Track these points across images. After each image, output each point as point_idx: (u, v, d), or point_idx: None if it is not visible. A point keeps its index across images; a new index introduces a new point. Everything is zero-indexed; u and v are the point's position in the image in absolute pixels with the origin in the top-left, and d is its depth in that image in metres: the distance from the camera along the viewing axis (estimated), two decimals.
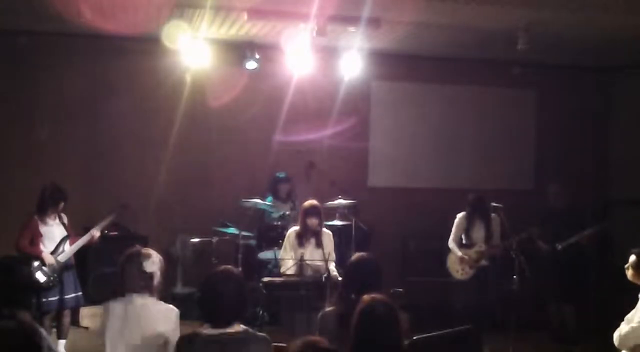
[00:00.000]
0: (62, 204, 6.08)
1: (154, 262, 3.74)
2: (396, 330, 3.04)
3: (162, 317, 3.66)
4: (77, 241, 6.12)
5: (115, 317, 3.63)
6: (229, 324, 3.22)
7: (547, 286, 7.18)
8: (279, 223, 7.39)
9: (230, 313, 3.23)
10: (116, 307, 3.67)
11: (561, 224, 7.07)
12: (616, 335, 4.27)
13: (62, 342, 6.12)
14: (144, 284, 3.69)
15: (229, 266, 3.45)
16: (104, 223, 6.22)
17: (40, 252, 5.90)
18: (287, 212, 7.47)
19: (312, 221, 6.21)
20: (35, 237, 5.93)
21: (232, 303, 3.22)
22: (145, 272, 3.69)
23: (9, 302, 3.13)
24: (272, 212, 7.55)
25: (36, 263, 5.85)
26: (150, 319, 3.62)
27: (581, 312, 7.13)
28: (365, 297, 3.14)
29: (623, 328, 4.24)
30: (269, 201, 7.50)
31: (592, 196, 9.00)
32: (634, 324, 4.17)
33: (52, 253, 5.95)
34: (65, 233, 6.09)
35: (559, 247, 6.97)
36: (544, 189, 7.44)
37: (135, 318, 3.61)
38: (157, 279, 3.74)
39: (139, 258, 3.72)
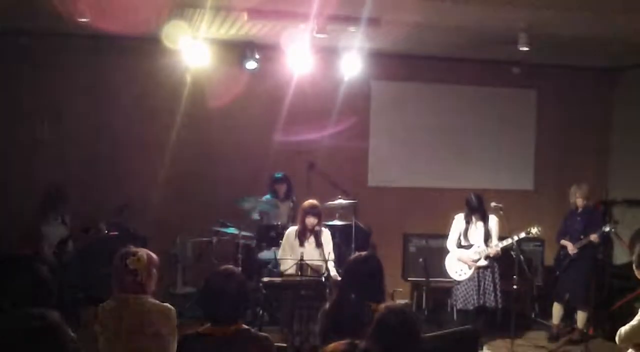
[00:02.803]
0: (64, 205, 6.09)
1: (147, 261, 3.73)
2: (413, 341, 2.94)
3: (158, 316, 3.65)
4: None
5: (111, 318, 3.63)
6: (230, 323, 3.22)
7: (569, 287, 7.18)
8: (277, 224, 7.40)
9: (232, 312, 3.23)
10: (112, 307, 3.67)
11: (584, 224, 7.13)
12: (619, 332, 4.28)
13: None
14: (139, 283, 3.68)
15: (230, 266, 3.45)
16: None
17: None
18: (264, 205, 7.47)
19: (310, 221, 6.24)
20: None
21: (234, 302, 3.23)
22: (138, 272, 3.68)
23: (36, 301, 3.12)
24: (263, 208, 7.54)
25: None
26: (146, 319, 3.62)
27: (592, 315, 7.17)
28: (381, 306, 3.09)
29: (626, 326, 4.24)
30: (265, 200, 7.52)
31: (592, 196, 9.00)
32: (634, 322, 4.17)
33: (54, 252, 5.97)
34: (66, 232, 6.10)
35: (577, 247, 7.05)
36: (567, 190, 7.50)
37: (131, 318, 3.61)
38: (152, 278, 3.73)
39: (131, 258, 3.71)
